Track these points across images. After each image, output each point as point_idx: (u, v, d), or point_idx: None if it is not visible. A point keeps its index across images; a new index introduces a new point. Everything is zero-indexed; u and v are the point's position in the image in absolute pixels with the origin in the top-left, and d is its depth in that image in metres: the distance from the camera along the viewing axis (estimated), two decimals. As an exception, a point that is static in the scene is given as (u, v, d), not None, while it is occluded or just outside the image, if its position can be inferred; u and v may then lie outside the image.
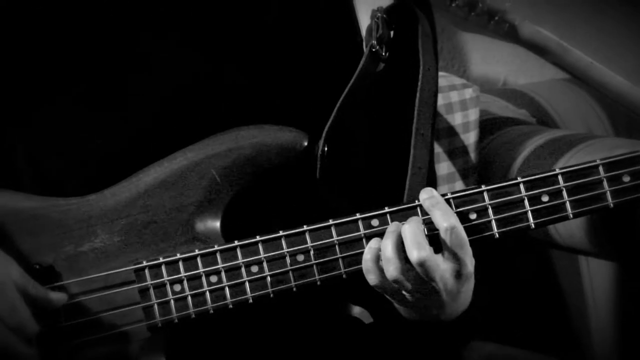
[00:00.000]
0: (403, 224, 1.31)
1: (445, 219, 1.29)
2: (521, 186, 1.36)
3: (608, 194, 1.36)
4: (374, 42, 1.43)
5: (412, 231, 1.28)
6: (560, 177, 1.36)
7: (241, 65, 1.42)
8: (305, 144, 1.36)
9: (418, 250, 1.27)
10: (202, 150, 1.36)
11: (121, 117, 1.39)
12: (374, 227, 1.35)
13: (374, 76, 1.44)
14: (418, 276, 1.30)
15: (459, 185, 2.10)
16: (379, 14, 1.45)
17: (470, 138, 2.18)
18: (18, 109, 1.40)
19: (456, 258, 1.30)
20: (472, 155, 2.17)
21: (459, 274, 1.31)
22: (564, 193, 1.36)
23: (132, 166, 1.37)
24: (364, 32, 1.47)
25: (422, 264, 1.28)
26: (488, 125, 2.28)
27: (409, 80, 1.46)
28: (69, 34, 1.38)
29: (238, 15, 1.41)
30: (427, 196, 1.32)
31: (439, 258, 1.29)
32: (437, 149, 2.11)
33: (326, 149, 1.39)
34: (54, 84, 1.39)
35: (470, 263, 1.31)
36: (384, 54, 1.44)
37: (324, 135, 1.39)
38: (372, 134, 1.47)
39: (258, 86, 1.42)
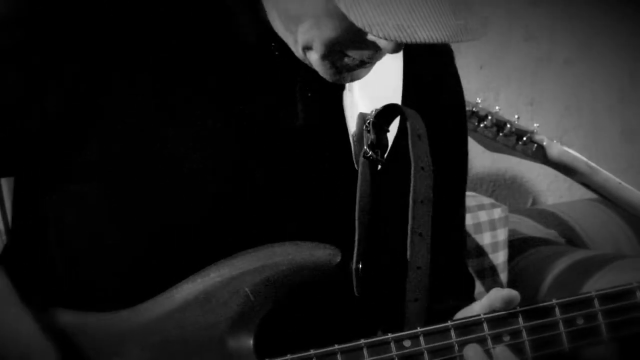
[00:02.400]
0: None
1: None
2: (556, 309, 1.35)
3: (645, 318, 1.35)
4: (366, 148, 1.41)
5: None
6: (595, 300, 1.35)
7: (270, 183, 1.41)
8: (339, 260, 1.36)
9: None
10: (235, 266, 1.36)
11: (154, 230, 1.39)
12: (406, 348, 1.34)
13: (377, 182, 1.42)
14: None
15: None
16: (370, 119, 1.42)
17: (499, 258, 2.17)
18: (54, 224, 1.41)
19: None
20: (502, 275, 2.16)
21: None
22: (600, 316, 1.35)
23: (165, 279, 1.36)
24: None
25: None
26: (517, 245, 2.28)
27: (406, 181, 1.44)
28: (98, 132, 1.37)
29: (262, 128, 1.40)
30: None
31: None
32: (466, 268, 2.10)
33: (360, 265, 1.38)
34: (91, 201, 1.40)
35: None
36: (379, 157, 1.42)
37: (355, 252, 1.38)
38: (391, 241, 1.45)
39: (282, 201, 1.41)
